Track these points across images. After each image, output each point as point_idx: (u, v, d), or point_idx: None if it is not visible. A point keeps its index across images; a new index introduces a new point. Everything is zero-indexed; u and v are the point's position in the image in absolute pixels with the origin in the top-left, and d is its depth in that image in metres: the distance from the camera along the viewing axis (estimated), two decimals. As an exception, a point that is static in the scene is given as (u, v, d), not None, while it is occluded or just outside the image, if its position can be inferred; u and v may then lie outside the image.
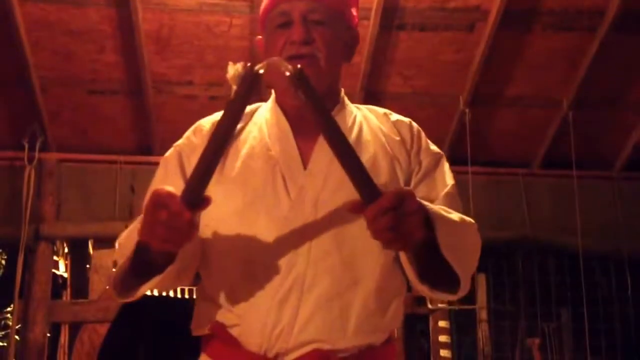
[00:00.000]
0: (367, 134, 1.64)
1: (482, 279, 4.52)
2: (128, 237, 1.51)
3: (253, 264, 1.48)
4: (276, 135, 1.60)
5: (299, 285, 1.45)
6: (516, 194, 4.72)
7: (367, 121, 1.67)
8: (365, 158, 1.52)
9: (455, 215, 1.50)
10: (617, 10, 4.11)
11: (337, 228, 1.49)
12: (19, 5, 3.88)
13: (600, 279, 4.86)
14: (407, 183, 1.60)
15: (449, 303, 4.30)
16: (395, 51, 4.31)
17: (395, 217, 1.27)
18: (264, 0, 1.66)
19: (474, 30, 4.24)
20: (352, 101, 1.74)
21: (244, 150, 1.58)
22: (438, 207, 1.47)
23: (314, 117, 1.36)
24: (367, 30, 4.11)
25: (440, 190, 1.61)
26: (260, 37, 1.71)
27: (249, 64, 1.35)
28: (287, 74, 1.34)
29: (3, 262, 5.84)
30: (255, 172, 1.48)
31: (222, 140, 1.34)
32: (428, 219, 1.39)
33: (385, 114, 1.72)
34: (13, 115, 4.38)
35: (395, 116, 1.71)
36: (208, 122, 1.66)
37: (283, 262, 1.47)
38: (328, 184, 1.52)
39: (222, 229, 1.51)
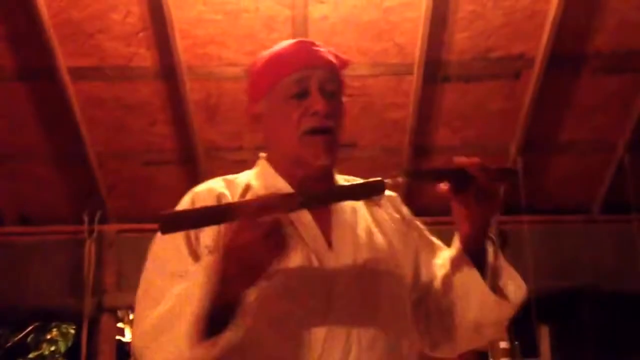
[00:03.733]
0: (366, 211, 1.59)
1: (545, 331, 4.38)
2: (178, 314, 1.31)
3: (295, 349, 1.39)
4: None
5: None
6: (577, 241, 4.60)
7: None
8: (381, 239, 1.53)
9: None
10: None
11: (379, 313, 1.44)
12: (71, 85, 4.04)
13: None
14: (418, 255, 1.61)
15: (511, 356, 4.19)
16: (442, 104, 4.31)
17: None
18: (269, 66, 1.58)
19: (520, 78, 4.20)
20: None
21: None
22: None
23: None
24: (412, 85, 4.13)
25: (441, 249, 1.63)
26: (254, 104, 1.59)
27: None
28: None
29: (72, 332, 5.99)
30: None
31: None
32: None
33: None
34: (72, 189, 4.52)
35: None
36: (204, 191, 1.57)
37: (333, 350, 1.39)
38: (356, 265, 1.46)
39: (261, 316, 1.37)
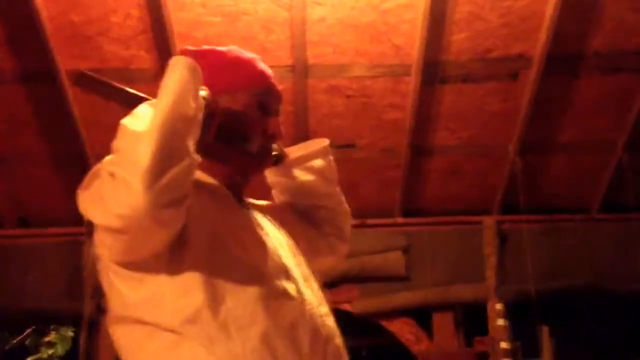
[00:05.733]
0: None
1: (545, 331, 4.37)
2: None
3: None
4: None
5: None
6: (576, 242, 4.60)
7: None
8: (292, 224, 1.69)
9: None
10: (664, 48, 4.04)
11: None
12: (71, 87, 4.05)
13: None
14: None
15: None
16: (440, 105, 4.31)
17: None
18: (240, 68, 1.66)
19: (518, 79, 4.21)
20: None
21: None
22: None
23: None
24: (409, 86, 4.14)
25: None
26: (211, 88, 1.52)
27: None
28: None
29: (71, 334, 5.97)
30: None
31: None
32: None
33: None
34: (71, 191, 4.47)
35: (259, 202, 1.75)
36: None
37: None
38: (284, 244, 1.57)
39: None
